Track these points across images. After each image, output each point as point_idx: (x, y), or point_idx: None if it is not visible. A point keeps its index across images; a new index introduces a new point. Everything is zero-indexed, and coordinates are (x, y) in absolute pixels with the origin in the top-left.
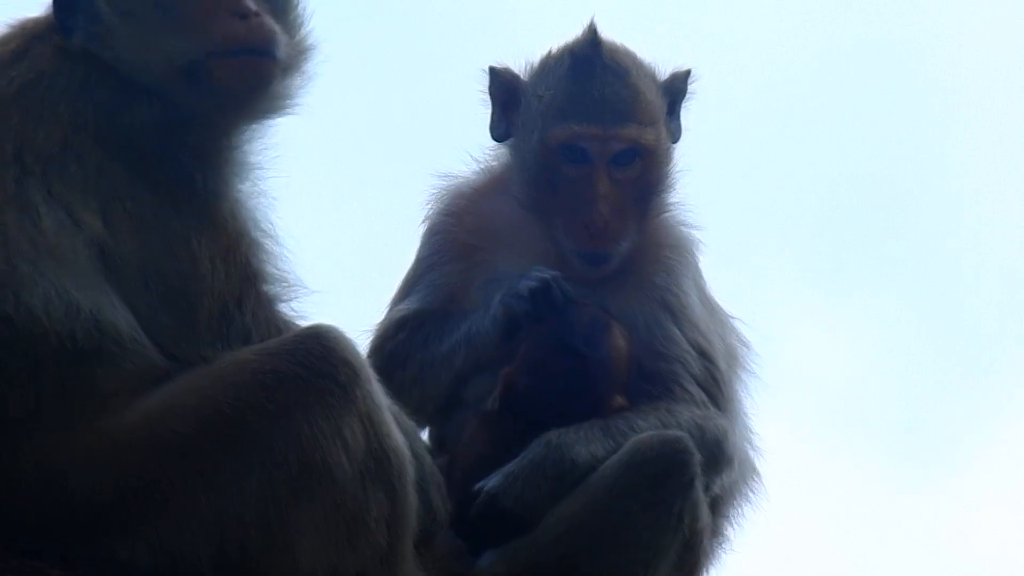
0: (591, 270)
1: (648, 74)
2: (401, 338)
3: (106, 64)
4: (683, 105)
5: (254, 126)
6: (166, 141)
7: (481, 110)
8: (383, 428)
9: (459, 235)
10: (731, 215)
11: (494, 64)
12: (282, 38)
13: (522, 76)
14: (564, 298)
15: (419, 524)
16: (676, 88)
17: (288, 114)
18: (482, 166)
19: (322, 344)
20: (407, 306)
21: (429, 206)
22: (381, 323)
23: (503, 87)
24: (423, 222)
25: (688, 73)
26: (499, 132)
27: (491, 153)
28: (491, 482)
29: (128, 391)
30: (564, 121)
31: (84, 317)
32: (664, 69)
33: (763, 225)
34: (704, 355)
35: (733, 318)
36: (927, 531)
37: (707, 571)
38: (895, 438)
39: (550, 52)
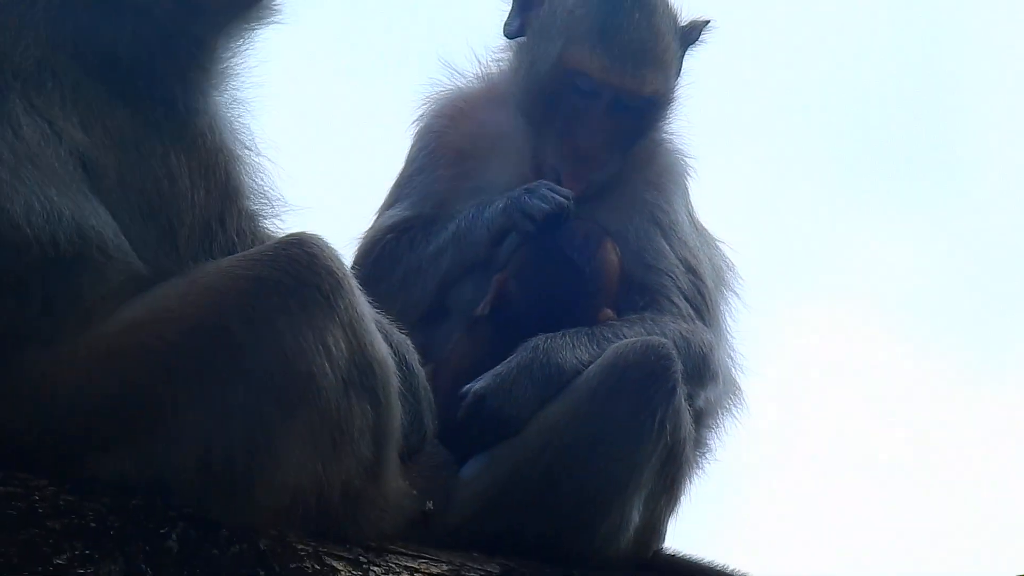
0: (566, 190)
1: (671, 16)
2: (389, 241)
3: None
4: (690, 51)
5: (236, 37)
6: (145, 57)
7: (474, 16)
8: (367, 338)
9: (452, 139)
10: (798, 128)
11: None
12: None
13: None
14: (568, 219)
15: (409, 440)
16: (692, 37)
17: (272, 23)
18: (482, 72)
19: (306, 251)
20: (395, 212)
21: (423, 107)
22: (369, 230)
23: None
24: (415, 123)
25: (706, 24)
26: (511, 29)
27: (493, 58)
28: (478, 383)
29: (113, 300)
30: (585, 48)
31: (66, 223)
32: (683, 14)
33: (831, 138)
34: (692, 271)
35: (720, 242)
36: (996, 429)
37: (690, 480)
38: (965, 341)
39: None
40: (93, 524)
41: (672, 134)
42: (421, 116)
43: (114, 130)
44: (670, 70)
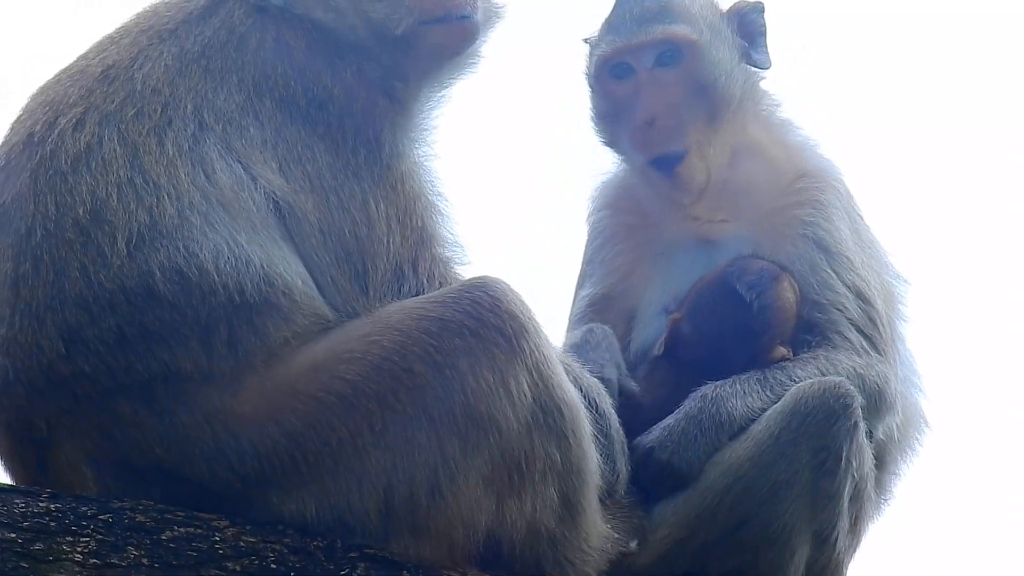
0: (665, 176)
1: None
2: (587, 327)
3: (302, 24)
4: (766, 38)
5: (439, 87)
6: (357, 100)
7: None
8: (553, 380)
9: (621, 218)
10: None
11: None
12: (480, 1)
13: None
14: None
15: (602, 482)
16: (748, 20)
17: (471, 72)
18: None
19: (489, 294)
20: (587, 291)
21: (589, 204)
22: (572, 308)
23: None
24: (588, 216)
25: (755, 5)
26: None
27: None
28: (648, 437)
29: (297, 342)
30: (602, 42)
31: (254, 270)
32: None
33: None
34: (861, 296)
35: (886, 252)
36: None
37: (872, 519)
38: None
39: None
40: (274, 565)
41: (782, 110)
42: (591, 210)
43: (314, 175)
44: (691, 19)
